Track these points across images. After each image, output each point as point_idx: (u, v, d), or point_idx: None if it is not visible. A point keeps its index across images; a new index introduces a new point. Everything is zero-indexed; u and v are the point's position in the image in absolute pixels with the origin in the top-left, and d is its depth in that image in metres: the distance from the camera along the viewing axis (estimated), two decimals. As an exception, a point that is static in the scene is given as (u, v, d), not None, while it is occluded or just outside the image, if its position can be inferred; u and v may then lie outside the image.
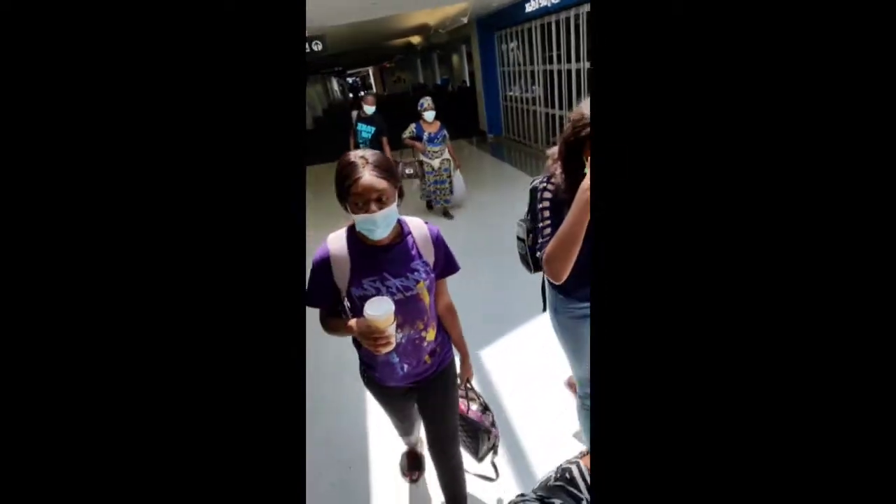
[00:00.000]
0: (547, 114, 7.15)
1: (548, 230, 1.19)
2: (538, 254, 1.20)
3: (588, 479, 0.49)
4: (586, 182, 1.04)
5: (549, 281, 1.44)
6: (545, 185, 1.24)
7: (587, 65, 5.52)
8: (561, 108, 6.60)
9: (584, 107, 1.18)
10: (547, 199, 1.21)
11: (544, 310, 1.55)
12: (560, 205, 1.15)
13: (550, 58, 6.57)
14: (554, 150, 1.26)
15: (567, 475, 0.50)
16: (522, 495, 0.47)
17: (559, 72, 6.39)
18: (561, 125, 6.88)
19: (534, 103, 7.56)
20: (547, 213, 1.21)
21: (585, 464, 0.51)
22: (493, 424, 1.55)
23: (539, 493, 0.48)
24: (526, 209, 1.40)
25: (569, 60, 6.03)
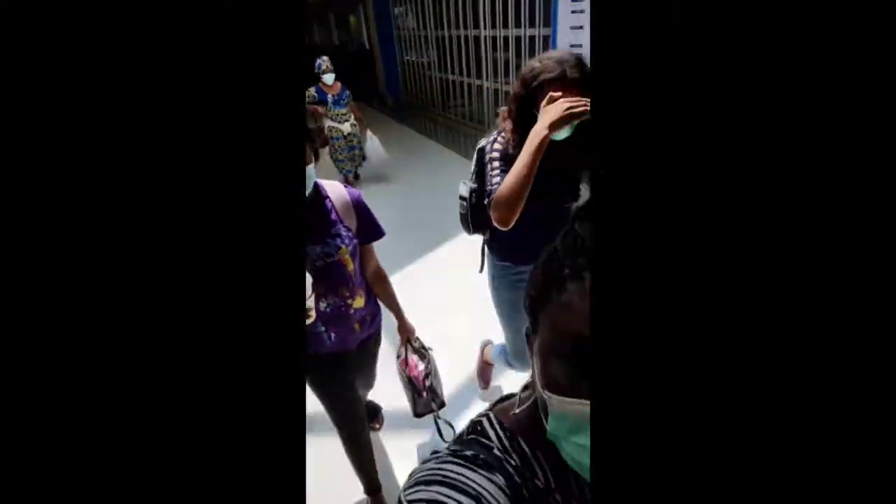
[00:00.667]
0: (441, 78, 7.54)
1: (497, 178, 1.19)
2: (486, 200, 1.20)
3: (499, 429, 0.51)
4: (538, 126, 1.07)
5: (489, 249, 1.48)
6: (495, 140, 1.25)
7: (486, 32, 5.87)
8: (455, 73, 7.02)
9: (534, 61, 1.19)
10: (497, 151, 1.22)
11: (481, 270, 1.55)
12: (511, 160, 1.14)
13: (443, 24, 6.87)
14: (504, 109, 1.27)
15: (478, 427, 0.52)
16: (436, 452, 0.47)
17: (452, 37, 6.74)
18: (456, 90, 7.33)
19: (429, 68, 7.89)
20: (496, 163, 1.21)
21: (495, 414, 0.53)
22: (430, 390, 1.54)
23: (452, 448, 0.49)
24: (472, 171, 1.37)
25: (465, 27, 6.34)
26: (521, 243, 1.32)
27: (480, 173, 1.29)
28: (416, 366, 1.53)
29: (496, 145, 1.24)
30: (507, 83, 5.54)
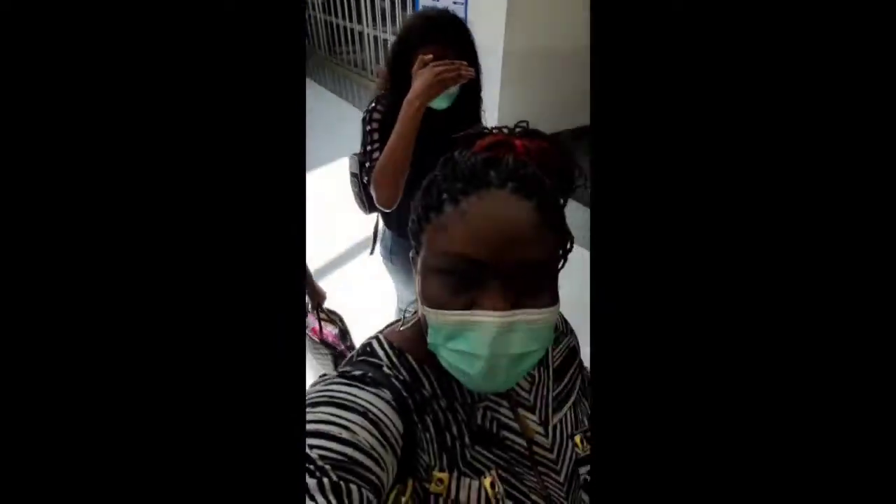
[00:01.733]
0: (326, 21, 7.06)
1: (376, 154, 1.09)
2: (365, 178, 1.12)
3: (388, 348, 0.53)
4: (410, 94, 0.97)
5: (386, 225, 1.36)
6: (374, 108, 1.14)
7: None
8: (339, 16, 6.60)
9: (410, 18, 1.11)
10: (376, 122, 1.12)
11: (371, 253, 1.46)
12: (391, 128, 1.02)
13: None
14: (382, 69, 1.18)
15: (368, 349, 0.53)
16: (324, 375, 0.48)
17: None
18: (342, 35, 6.90)
19: (313, 8, 7.33)
20: (376, 136, 1.11)
21: (384, 335, 0.55)
22: (350, 349, 1.53)
23: (341, 371, 0.50)
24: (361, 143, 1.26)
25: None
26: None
27: (364, 143, 1.16)
28: (331, 331, 1.52)
29: (375, 115, 1.13)
30: (394, 31, 5.30)
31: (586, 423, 0.59)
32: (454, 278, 0.44)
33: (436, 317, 0.45)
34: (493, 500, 0.47)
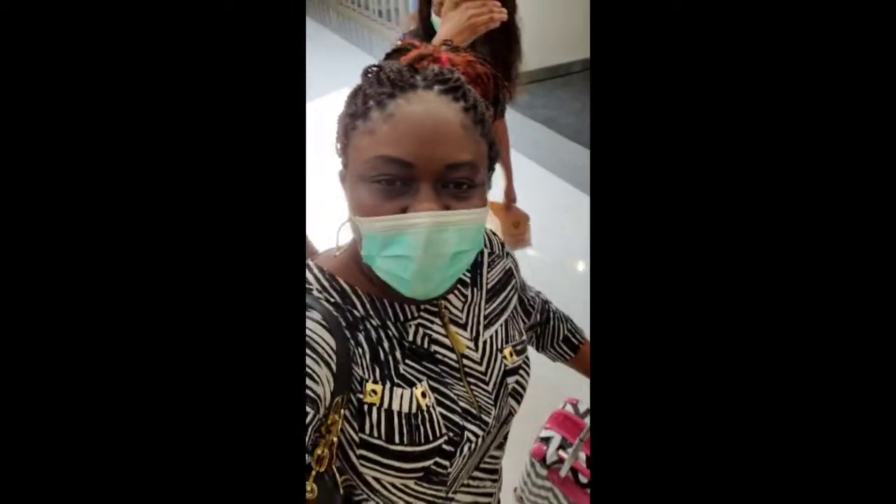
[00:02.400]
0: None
1: None
2: None
3: (317, 272, 0.52)
4: (436, 39, 0.93)
5: None
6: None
7: None
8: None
9: None
10: None
11: None
12: None
13: None
14: (412, 13, 1.28)
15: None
16: None
17: None
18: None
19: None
20: None
21: (315, 262, 0.55)
22: None
23: None
24: None
25: None
26: None
27: None
28: None
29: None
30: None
31: (517, 337, 0.63)
32: (384, 185, 0.44)
33: (369, 225, 0.45)
34: (423, 407, 0.50)
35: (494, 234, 0.66)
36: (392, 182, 0.44)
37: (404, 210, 0.44)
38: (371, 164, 0.44)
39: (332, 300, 0.51)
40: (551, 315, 0.79)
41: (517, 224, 1.67)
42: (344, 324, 0.50)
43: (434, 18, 1.18)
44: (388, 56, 0.54)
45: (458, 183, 0.45)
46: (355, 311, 0.52)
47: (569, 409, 1.12)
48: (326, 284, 0.52)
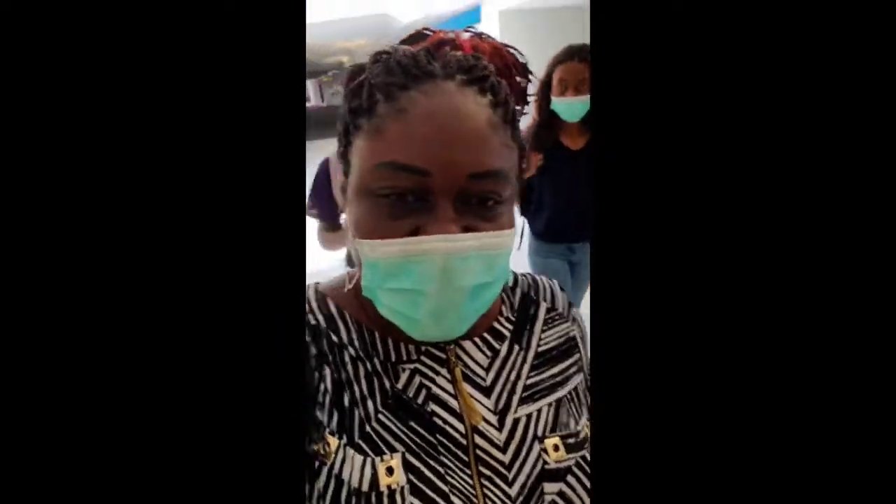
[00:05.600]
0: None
1: None
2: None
3: (311, 293, 0.45)
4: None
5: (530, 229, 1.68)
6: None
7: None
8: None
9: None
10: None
11: (518, 248, 1.67)
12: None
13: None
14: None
15: None
16: None
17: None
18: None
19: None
20: None
21: (317, 284, 0.47)
22: None
23: None
24: None
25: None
26: (558, 224, 1.55)
27: None
28: None
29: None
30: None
31: (572, 426, 0.43)
32: (392, 199, 0.35)
33: (371, 249, 0.36)
34: (385, 489, 0.36)
35: (562, 289, 0.54)
36: (402, 197, 0.35)
37: (415, 231, 0.35)
38: (377, 172, 0.36)
39: (311, 322, 0.42)
40: None
41: None
42: (314, 352, 0.41)
43: (555, 102, 1.33)
44: (402, 43, 0.43)
45: (482, 198, 0.36)
46: (333, 338, 0.42)
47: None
48: (314, 306, 0.44)
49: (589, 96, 1.23)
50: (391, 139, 0.35)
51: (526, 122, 1.37)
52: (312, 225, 1.24)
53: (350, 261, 1.45)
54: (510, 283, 0.51)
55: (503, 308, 0.48)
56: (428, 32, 0.43)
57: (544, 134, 1.39)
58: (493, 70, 0.39)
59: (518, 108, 0.42)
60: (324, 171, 1.23)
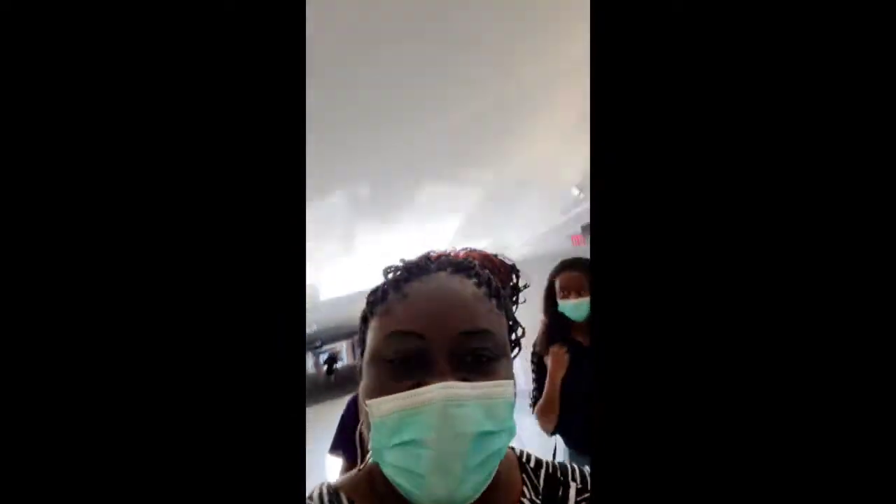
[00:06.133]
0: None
1: (534, 391, 1.44)
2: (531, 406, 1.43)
3: (324, 491, 0.47)
4: (549, 384, 1.32)
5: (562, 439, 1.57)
6: (533, 359, 1.46)
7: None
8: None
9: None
10: (535, 355, 1.45)
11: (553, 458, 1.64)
12: (540, 360, 1.42)
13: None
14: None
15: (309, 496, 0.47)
16: None
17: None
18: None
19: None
20: (533, 376, 1.46)
21: (330, 481, 0.49)
22: None
23: None
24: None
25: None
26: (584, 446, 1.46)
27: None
28: None
29: (533, 358, 1.45)
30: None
31: None
32: (397, 362, 0.40)
33: (377, 408, 0.39)
34: None
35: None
36: (406, 360, 0.40)
37: (417, 387, 0.39)
38: (385, 342, 0.42)
39: None
40: None
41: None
42: None
43: (562, 304, 1.39)
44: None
45: (476, 355, 0.41)
46: None
47: None
48: (326, 499, 0.45)
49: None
50: (396, 316, 0.42)
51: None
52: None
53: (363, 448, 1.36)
54: (531, 465, 0.51)
55: (525, 489, 0.48)
56: (431, 252, 0.55)
57: (555, 332, 1.43)
58: (479, 266, 0.48)
59: (504, 290, 0.50)
60: (351, 415, 1.30)
